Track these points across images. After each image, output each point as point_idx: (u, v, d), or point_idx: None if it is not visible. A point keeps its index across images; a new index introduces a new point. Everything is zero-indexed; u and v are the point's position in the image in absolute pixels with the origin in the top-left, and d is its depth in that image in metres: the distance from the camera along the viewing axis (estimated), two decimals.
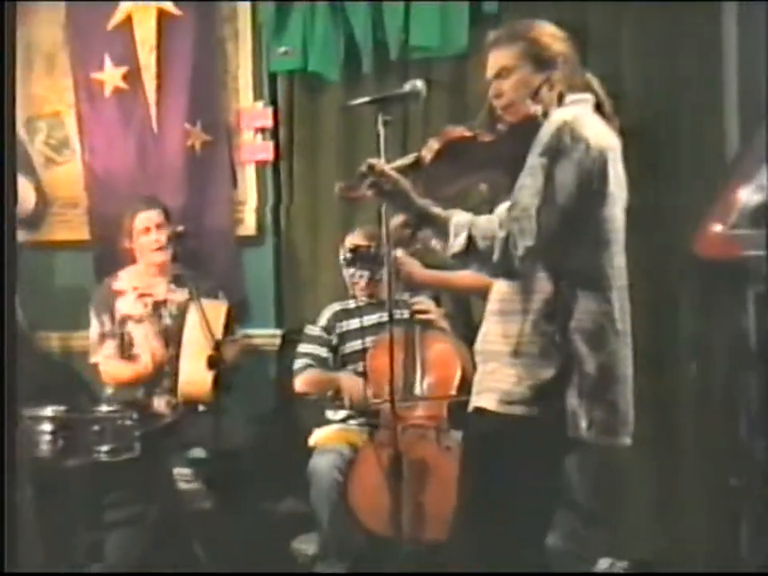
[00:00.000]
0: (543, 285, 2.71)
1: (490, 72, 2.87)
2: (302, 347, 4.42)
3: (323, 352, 4.38)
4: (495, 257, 2.66)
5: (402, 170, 2.80)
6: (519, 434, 2.71)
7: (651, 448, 4.33)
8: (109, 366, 4.40)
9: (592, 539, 3.00)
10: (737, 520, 4.03)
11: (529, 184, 2.66)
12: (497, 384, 2.75)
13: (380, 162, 2.77)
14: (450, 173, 2.84)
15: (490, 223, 2.69)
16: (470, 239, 2.67)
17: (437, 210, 2.76)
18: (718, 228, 4.25)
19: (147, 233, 4.39)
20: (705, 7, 4.36)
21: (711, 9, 4.37)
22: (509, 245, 2.64)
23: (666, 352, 4.36)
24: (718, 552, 4.19)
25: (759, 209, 4.18)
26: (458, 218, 2.72)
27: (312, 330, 4.43)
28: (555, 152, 2.66)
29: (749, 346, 4.02)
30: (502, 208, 2.76)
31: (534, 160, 2.68)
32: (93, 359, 4.43)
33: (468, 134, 2.83)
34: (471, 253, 2.69)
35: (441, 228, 2.73)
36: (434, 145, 2.81)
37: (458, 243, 2.69)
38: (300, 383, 4.36)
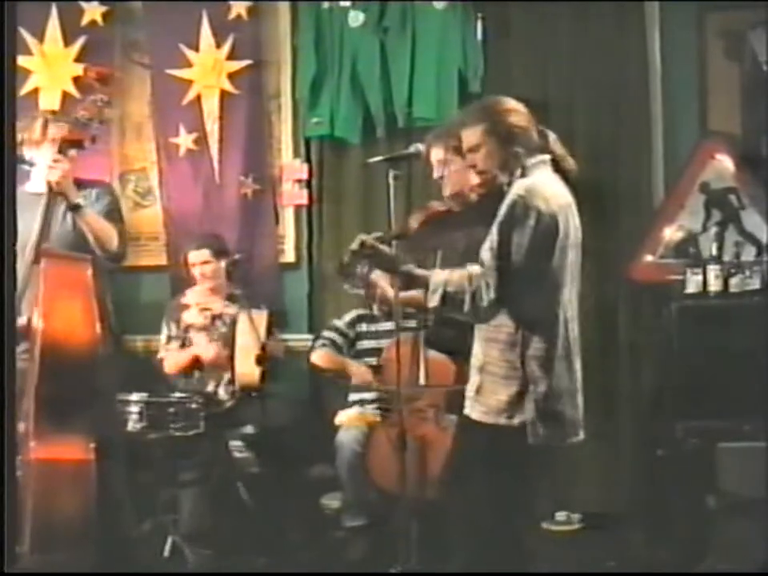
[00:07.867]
0: (507, 322, 2.64)
1: (465, 147, 2.75)
2: (325, 332, 4.38)
3: (339, 340, 4.32)
4: (466, 307, 2.61)
5: (393, 238, 2.80)
6: (494, 437, 2.66)
7: (600, 428, 4.35)
8: (170, 359, 4.36)
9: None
10: (662, 478, 4.05)
11: (490, 247, 2.61)
12: (478, 396, 2.70)
13: (369, 238, 2.71)
14: (430, 237, 2.88)
15: (461, 279, 2.62)
16: (445, 294, 2.62)
17: (418, 271, 2.70)
18: (649, 258, 4.33)
19: (201, 265, 4.33)
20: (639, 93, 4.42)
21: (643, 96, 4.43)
22: (476, 297, 2.59)
23: (609, 354, 4.38)
24: (650, 499, 4.18)
25: (680, 243, 4.28)
26: (435, 277, 2.66)
27: (337, 322, 4.38)
28: (511, 222, 2.59)
29: (672, 348, 4.07)
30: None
31: (495, 228, 2.62)
32: (160, 355, 4.41)
33: (443, 208, 2.88)
34: (447, 305, 2.63)
35: (422, 285, 2.68)
36: (419, 216, 2.85)
37: (434, 299, 2.63)
38: (315, 357, 4.32)
